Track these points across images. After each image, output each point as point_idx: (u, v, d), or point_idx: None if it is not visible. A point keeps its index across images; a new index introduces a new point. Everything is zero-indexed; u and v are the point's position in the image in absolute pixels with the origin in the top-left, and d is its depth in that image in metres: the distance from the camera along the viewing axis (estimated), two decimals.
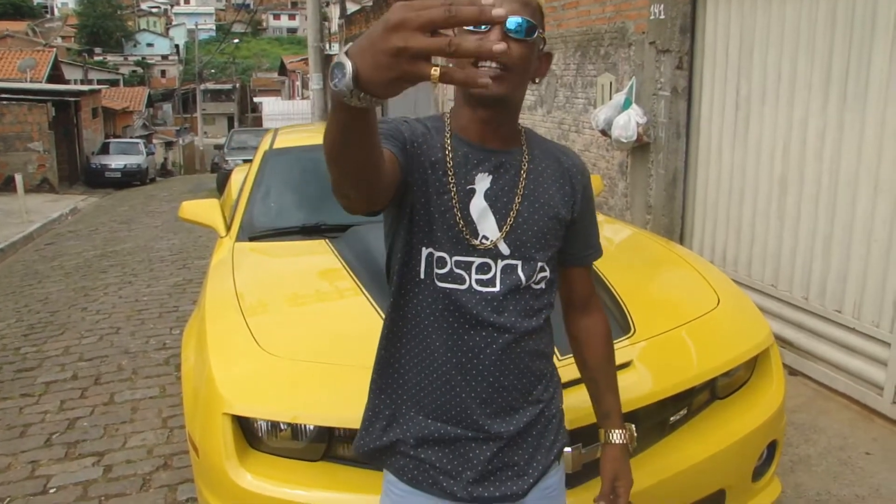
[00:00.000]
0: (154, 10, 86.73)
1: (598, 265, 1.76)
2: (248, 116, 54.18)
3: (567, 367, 2.03)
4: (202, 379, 2.17)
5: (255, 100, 50.02)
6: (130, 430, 3.84)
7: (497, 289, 1.34)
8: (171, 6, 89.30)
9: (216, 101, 58.24)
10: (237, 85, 59.45)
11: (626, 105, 5.29)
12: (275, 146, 3.88)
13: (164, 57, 70.12)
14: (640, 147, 5.34)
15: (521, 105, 1.41)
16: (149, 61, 67.33)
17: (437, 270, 1.33)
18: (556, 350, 1.97)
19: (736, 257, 4.70)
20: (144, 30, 77.27)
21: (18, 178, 12.54)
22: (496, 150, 1.37)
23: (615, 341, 1.71)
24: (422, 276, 1.34)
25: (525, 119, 7.53)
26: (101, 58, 60.89)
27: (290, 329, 2.36)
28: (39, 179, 17.51)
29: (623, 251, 3.22)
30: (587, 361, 1.60)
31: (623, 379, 1.98)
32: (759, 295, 4.40)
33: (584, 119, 6.34)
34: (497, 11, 0.80)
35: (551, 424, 1.46)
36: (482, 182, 1.35)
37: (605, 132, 5.45)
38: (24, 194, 12.31)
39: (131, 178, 21.58)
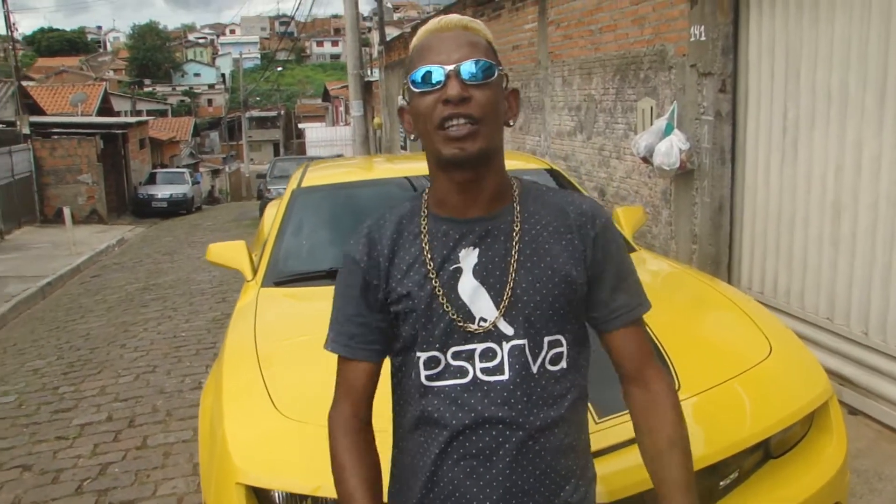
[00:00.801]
0: (201, 41, 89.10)
1: None
2: (293, 143, 54.86)
3: (604, 432, 1.88)
4: (216, 442, 2.06)
5: (300, 126, 50.78)
6: (161, 476, 3.76)
7: (506, 376, 1.17)
8: (217, 36, 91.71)
9: (262, 128, 59.30)
10: (282, 112, 60.40)
11: (668, 130, 5.09)
12: (303, 184, 3.76)
13: (211, 86, 71.86)
14: (683, 174, 5.13)
15: (503, 156, 1.23)
16: (196, 91, 69.03)
17: (429, 371, 1.19)
18: (592, 412, 1.81)
19: (788, 288, 4.46)
20: (191, 60, 79.39)
21: (66, 210, 12.83)
22: (479, 218, 1.21)
23: None
24: (422, 379, 1.20)
25: (564, 145, 7.36)
26: (150, 89, 62.59)
27: (310, 388, 2.22)
28: (89, 211, 17.98)
29: (665, 292, 3.02)
30: (644, 446, 1.26)
31: None
32: (814, 329, 4.16)
33: (624, 145, 6.15)
34: None
35: None
36: (468, 258, 1.19)
37: (646, 159, 5.25)
38: (72, 226, 12.56)
39: (177, 208, 22.03)
